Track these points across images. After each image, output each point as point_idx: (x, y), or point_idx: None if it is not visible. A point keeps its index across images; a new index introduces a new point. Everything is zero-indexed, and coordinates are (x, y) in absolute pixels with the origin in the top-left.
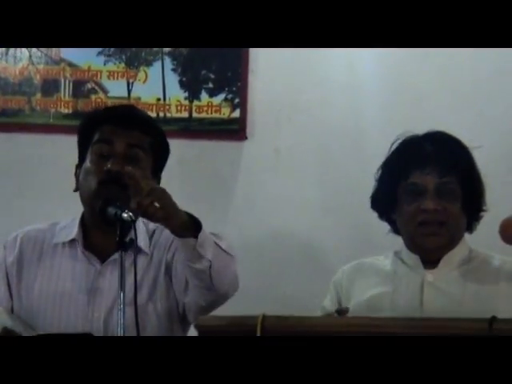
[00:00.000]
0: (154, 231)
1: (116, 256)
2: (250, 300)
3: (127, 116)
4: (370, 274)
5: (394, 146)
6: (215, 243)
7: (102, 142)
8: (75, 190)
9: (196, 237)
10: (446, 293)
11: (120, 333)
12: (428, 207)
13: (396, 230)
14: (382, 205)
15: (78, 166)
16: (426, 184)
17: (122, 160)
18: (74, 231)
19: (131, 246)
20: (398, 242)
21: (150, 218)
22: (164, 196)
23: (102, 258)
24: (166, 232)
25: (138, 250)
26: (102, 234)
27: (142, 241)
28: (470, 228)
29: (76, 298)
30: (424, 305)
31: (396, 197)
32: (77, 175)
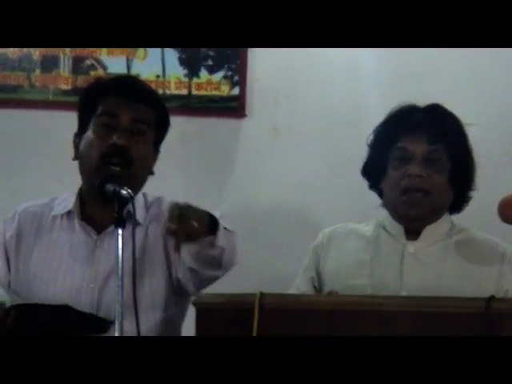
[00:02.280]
0: (151, 203)
1: (113, 227)
2: (247, 277)
3: (132, 88)
4: (350, 238)
5: (386, 116)
6: (225, 229)
7: (108, 114)
8: (74, 159)
9: (214, 233)
10: (426, 265)
11: (118, 308)
12: (413, 172)
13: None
14: (371, 172)
15: (78, 135)
16: (414, 150)
17: (127, 134)
18: (71, 203)
19: (129, 221)
20: None
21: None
22: (191, 210)
23: (99, 229)
24: (164, 205)
25: (136, 223)
26: (99, 206)
27: (139, 213)
28: (458, 207)
29: (72, 268)
30: (404, 276)
31: (385, 164)
32: (76, 144)
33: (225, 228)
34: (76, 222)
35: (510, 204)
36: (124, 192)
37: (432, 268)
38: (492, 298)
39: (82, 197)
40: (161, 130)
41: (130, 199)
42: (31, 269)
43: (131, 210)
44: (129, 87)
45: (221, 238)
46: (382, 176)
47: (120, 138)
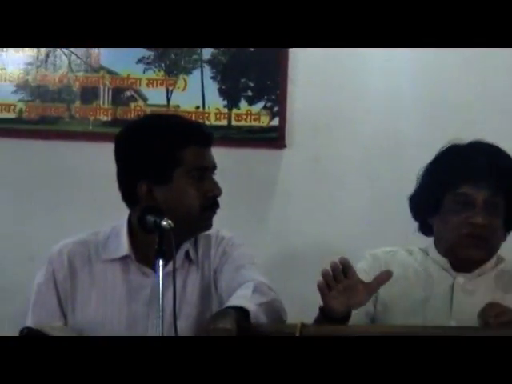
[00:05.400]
0: (196, 238)
1: (170, 267)
2: (285, 308)
3: (205, 135)
4: (397, 265)
5: (442, 154)
6: (261, 306)
7: (200, 169)
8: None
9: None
10: (474, 296)
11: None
12: (477, 222)
13: (425, 230)
14: (421, 209)
15: (150, 184)
16: (476, 197)
17: (215, 182)
18: (123, 246)
19: (187, 257)
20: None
21: None
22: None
23: (154, 268)
24: (213, 241)
25: (189, 260)
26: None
27: (191, 250)
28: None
29: (135, 311)
30: (453, 306)
31: (439, 204)
32: (146, 191)
33: (259, 304)
34: (132, 265)
35: None
36: (164, 223)
37: (481, 298)
38: None
39: (132, 237)
40: None
41: (171, 230)
42: (90, 314)
43: (187, 247)
44: (202, 134)
45: (260, 319)
46: (433, 212)
47: (216, 189)
